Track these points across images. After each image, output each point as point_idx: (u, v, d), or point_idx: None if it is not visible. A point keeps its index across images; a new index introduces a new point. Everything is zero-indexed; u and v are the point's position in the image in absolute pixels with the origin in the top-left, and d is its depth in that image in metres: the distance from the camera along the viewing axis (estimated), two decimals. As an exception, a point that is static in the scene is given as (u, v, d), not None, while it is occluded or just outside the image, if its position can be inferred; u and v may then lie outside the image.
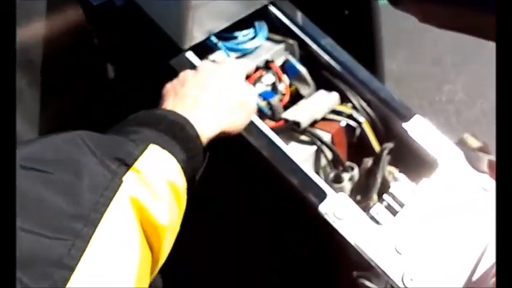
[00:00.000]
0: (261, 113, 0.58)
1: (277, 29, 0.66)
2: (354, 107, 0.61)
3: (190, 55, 0.58)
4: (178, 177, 0.39)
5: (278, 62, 0.63)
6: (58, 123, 0.61)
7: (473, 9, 0.29)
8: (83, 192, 0.31)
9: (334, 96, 0.62)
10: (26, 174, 0.30)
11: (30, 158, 0.32)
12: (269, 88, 0.62)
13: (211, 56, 0.60)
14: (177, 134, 0.41)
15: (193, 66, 0.57)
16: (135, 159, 0.35)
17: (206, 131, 0.45)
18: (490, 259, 0.50)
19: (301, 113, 0.59)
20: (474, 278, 0.49)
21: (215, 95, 0.49)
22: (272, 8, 0.66)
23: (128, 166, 0.35)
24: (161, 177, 0.37)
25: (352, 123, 0.60)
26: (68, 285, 0.27)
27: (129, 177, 0.34)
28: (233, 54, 0.60)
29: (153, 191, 0.35)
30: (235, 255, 0.70)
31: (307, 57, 0.65)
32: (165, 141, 0.40)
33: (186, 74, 0.51)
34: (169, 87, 0.50)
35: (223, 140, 0.49)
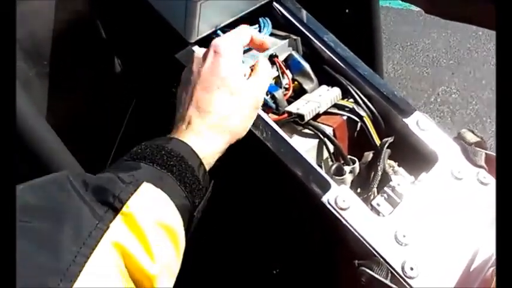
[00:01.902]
0: (265, 106, 0.59)
1: (281, 25, 0.67)
2: (356, 102, 0.62)
3: (196, 49, 0.59)
4: (173, 217, 0.37)
5: (281, 57, 0.64)
6: (65, 113, 0.62)
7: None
8: (63, 242, 0.30)
9: (336, 91, 0.63)
10: None
11: None
12: (273, 82, 0.63)
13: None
14: (174, 167, 0.40)
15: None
16: (124, 203, 0.34)
17: (209, 152, 0.45)
18: (488, 249, 0.52)
19: (304, 107, 0.60)
20: (472, 267, 0.51)
21: (220, 110, 0.47)
22: (276, 5, 0.67)
23: (116, 210, 0.33)
24: (153, 219, 0.35)
25: (354, 117, 0.62)
26: None
27: (116, 223, 0.33)
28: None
29: (142, 236, 0.33)
30: (236, 247, 0.71)
31: (310, 53, 0.66)
32: (159, 178, 0.38)
33: (186, 80, 0.49)
34: (179, 98, 0.49)
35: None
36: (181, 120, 0.47)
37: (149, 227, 0.34)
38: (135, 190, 0.35)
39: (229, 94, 0.49)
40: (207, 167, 0.45)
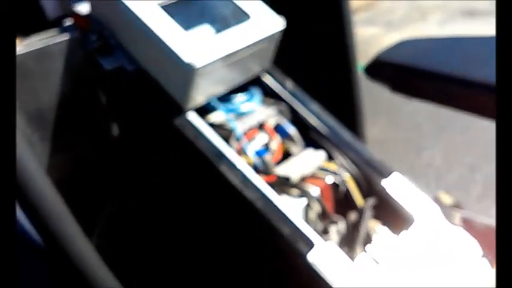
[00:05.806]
0: (255, 169, 0.64)
1: (269, 94, 0.73)
2: (339, 165, 0.67)
3: (192, 115, 0.64)
4: None
5: (271, 123, 0.70)
6: (63, 173, 0.65)
7: (439, 81, 0.35)
8: None
9: (322, 154, 0.68)
10: None
11: None
12: (263, 146, 0.68)
13: (211, 116, 0.67)
14: None
15: (193, 127, 0.63)
16: None
17: None
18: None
19: (291, 169, 0.64)
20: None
21: None
22: (265, 76, 0.74)
23: None
24: None
25: (338, 179, 0.66)
26: None
27: None
28: (231, 115, 0.67)
29: None
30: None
31: (297, 119, 0.72)
32: None
33: None
34: None
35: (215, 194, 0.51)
36: None
37: None
38: None
39: None
40: None
